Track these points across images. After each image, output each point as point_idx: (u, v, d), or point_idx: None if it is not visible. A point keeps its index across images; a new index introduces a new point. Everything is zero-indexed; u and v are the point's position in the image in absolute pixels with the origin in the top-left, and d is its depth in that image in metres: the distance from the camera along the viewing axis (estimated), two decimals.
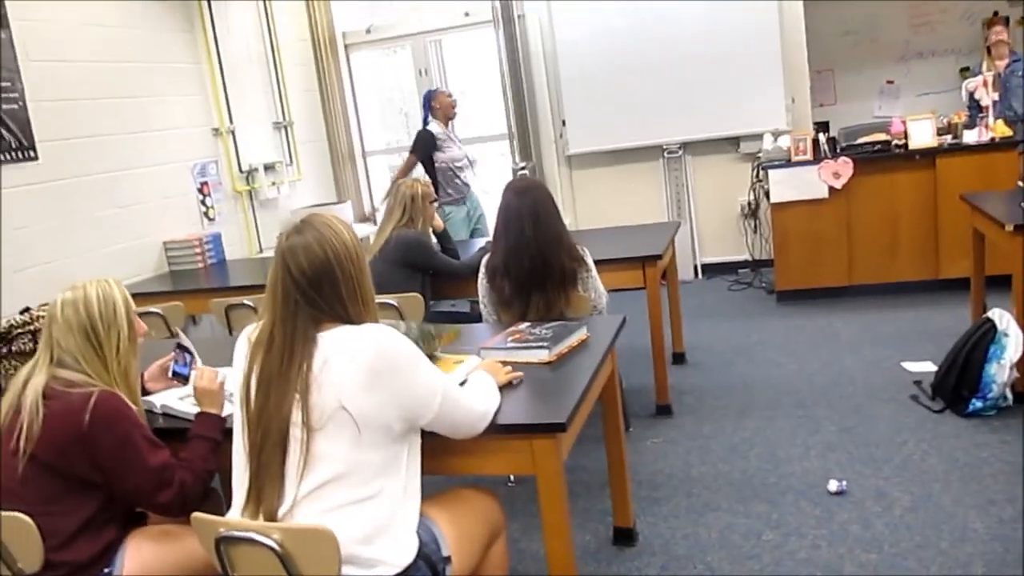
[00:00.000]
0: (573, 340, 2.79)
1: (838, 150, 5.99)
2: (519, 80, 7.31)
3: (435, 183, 6.17)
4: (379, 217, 5.12)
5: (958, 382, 3.98)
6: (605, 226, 5.68)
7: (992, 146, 5.67)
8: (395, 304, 3.72)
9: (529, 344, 2.70)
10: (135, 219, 5.43)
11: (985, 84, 5.94)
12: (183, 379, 2.66)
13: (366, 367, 1.81)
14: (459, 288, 4.41)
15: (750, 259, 7.17)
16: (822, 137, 5.99)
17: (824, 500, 3.31)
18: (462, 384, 2.27)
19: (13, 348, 2.98)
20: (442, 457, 2.19)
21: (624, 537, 3.16)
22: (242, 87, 6.58)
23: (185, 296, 4.66)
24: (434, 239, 4.47)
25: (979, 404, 3.90)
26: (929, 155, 5.74)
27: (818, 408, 4.24)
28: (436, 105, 6.32)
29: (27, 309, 3.14)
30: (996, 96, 6.04)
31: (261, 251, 6.55)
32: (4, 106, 4.52)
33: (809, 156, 5.93)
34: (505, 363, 2.53)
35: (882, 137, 5.97)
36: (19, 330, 3.00)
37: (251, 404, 1.87)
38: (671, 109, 7.05)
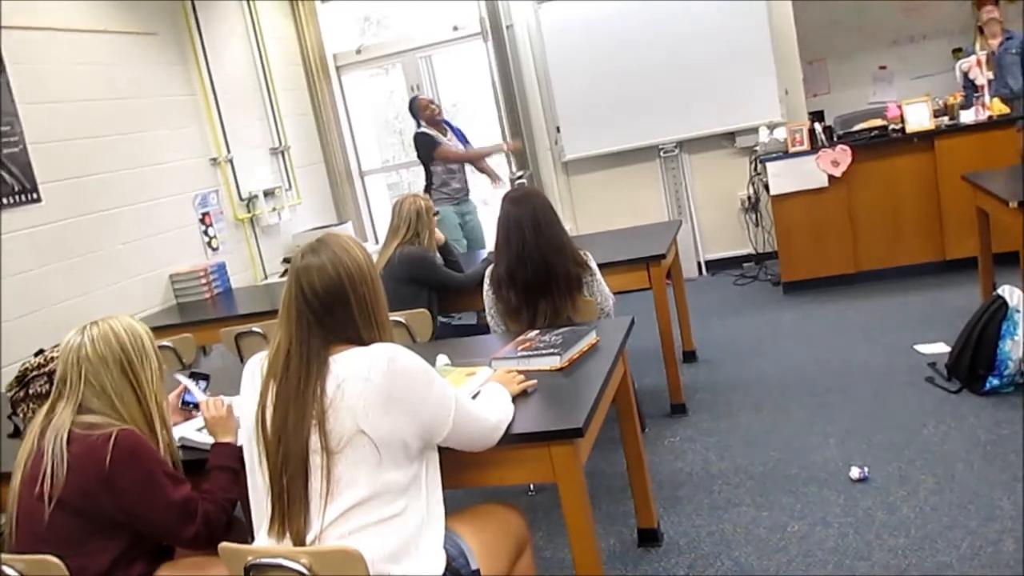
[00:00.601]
0: (583, 345, 2.79)
1: (835, 138, 5.99)
2: (511, 89, 7.33)
3: (430, 185, 6.21)
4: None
5: (973, 361, 3.96)
6: (606, 229, 5.68)
7: (990, 124, 5.66)
8: (403, 321, 3.73)
9: (540, 352, 2.70)
10: (140, 254, 5.44)
11: (979, 63, 5.94)
12: (196, 407, 2.66)
13: (381, 388, 1.80)
14: (465, 301, 4.41)
15: (754, 253, 7.17)
16: (818, 127, 5.99)
17: (847, 488, 3.30)
18: (474, 397, 2.27)
19: (30, 391, 2.98)
20: (462, 470, 2.18)
21: (649, 538, 3.15)
22: (237, 115, 6.60)
23: (194, 327, 4.67)
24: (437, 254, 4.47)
25: (996, 382, 3.89)
26: (927, 138, 5.74)
27: (833, 396, 4.22)
28: (418, 110, 6.35)
29: (41, 351, 3.13)
30: (991, 75, 6.03)
31: (266, 278, 6.56)
32: (5, 150, 4.55)
33: (806, 146, 5.92)
34: (518, 372, 2.53)
35: (879, 123, 5.97)
36: (34, 372, 2.99)
37: (267, 428, 1.86)
38: (665, 108, 7.05)
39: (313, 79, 7.62)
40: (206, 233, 6.09)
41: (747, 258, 7.25)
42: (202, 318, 4.98)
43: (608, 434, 2.97)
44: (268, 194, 6.76)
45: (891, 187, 5.86)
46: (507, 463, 2.21)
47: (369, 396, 1.80)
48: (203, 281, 5.62)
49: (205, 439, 2.45)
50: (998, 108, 5.72)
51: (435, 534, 1.90)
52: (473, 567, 1.98)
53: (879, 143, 5.84)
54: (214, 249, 6.13)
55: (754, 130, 6.68)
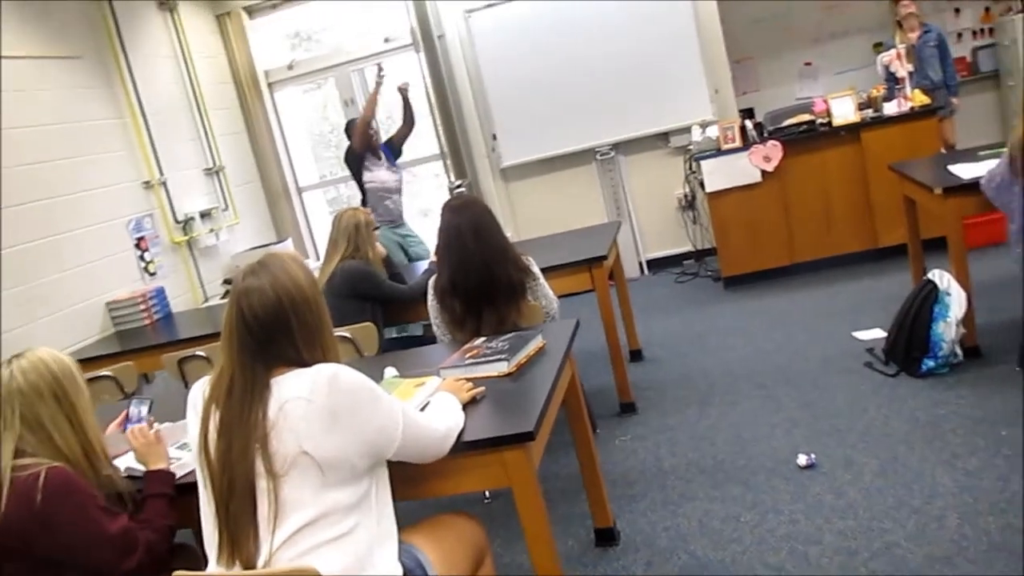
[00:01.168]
0: (530, 349, 2.80)
1: (765, 134, 6.12)
2: (446, 99, 7.33)
3: (363, 203, 6.16)
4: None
5: (908, 345, 4.08)
6: (547, 234, 5.71)
7: (912, 115, 5.84)
8: (349, 336, 3.70)
9: (487, 358, 2.71)
10: (76, 283, 5.31)
11: (899, 57, 6.12)
12: None
13: (324, 408, 1.78)
14: (410, 312, 4.40)
15: (693, 250, 7.27)
16: (749, 123, 6.11)
17: (795, 475, 3.36)
18: (423, 408, 2.26)
19: None
20: (416, 482, 2.18)
21: (606, 537, 3.18)
22: (169, 137, 6.49)
23: (135, 355, 4.57)
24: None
25: (931, 364, 4.00)
26: (854, 130, 5.89)
27: (777, 387, 4.30)
28: (353, 134, 6.25)
29: None
30: (911, 67, 6.22)
31: (207, 300, 6.45)
32: None
33: (738, 143, 6.04)
34: (466, 380, 2.54)
35: (806, 118, 6.11)
36: None
37: (211, 456, 1.83)
38: (598, 111, 7.13)
39: (245, 97, 7.53)
40: (142, 258, 5.97)
41: (687, 256, 7.35)
42: (143, 345, 4.87)
43: (560, 437, 2.98)
44: (205, 215, 6.65)
45: (822, 179, 6.01)
46: (461, 471, 2.21)
47: (311, 417, 1.78)
48: (142, 307, 5.50)
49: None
50: (919, 99, 5.91)
51: (389, 550, 1.89)
52: None
53: (808, 137, 5.98)
54: (152, 274, 6.01)
55: (687, 129, 6.78)
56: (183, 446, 2.47)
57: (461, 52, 7.43)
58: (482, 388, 2.50)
